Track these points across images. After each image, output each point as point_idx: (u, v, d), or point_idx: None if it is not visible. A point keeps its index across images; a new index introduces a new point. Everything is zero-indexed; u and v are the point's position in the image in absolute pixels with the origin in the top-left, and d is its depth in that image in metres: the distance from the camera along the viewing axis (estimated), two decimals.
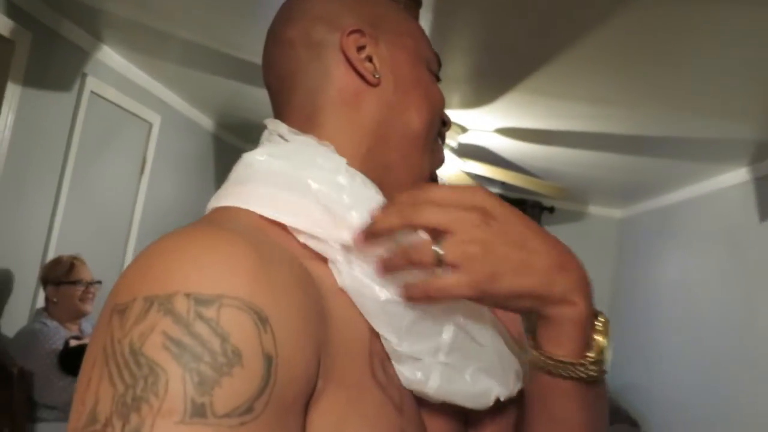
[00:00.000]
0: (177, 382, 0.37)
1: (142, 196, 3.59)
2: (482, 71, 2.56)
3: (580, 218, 5.05)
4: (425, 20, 2.06)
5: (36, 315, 2.54)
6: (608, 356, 0.52)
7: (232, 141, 4.65)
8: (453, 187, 0.49)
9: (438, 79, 0.65)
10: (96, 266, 2.65)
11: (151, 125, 3.57)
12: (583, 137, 3.13)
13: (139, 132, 3.52)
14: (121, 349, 0.39)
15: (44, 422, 2.31)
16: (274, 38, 0.62)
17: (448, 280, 0.46)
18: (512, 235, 0.48)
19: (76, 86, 2.87)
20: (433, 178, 0.66)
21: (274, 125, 0.59)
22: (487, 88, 2.69)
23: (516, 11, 1.92)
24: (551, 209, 4.94)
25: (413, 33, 0.64)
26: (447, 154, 3.10)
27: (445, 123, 0.67)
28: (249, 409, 0.38)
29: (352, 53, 0.58)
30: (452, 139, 3.12)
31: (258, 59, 0.65)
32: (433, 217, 0.47)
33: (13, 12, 2.38)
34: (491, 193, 0.49)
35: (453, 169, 3.27)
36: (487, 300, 0.48)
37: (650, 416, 3.87)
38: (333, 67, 0.59)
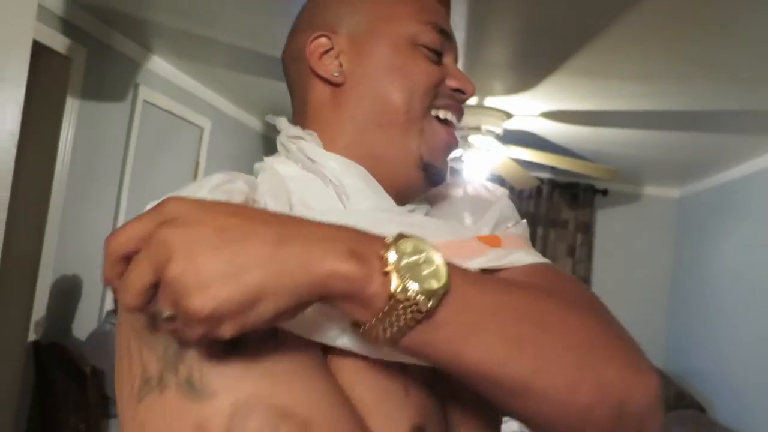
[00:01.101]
0: None
1: None
2: (523, 55, 2.53)
3: (636, 200, 4.91)
4: (461, 9, 2.05)
5: (106, 316, 2.67)
6: (428, 271, 0.41)
7: None
8: (135, 219, 0.40)
9: (436, 52, 0.62)
10: None
11: (202, 129, 3.69)
12: (634, 116, 3.05)
13: (191, 137, 3.64)
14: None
15: (117, 418, 2.43)
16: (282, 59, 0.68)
17: (167, 327, 0.39)
18: (207, 234, 0.37)
19: (130, 96, 2.99)
20: (435, 163, 0.61)
21: (277, 121, 0.65)
22: (529, 72, 2.65)
23: None
24: (605, 192, 4.83)
25: (390, 14, 0.62)
26: (492, 141, 3.08)
27: (463, 91, 0.63)
28: (275, 331, 0.44)
29: (314, 60, 0.61)
30: (496, 126, 3.09)
31: None
32: (117, 251, 0.38)
33: (68, 30, 2.50)
34: (179, 199, 0.40)
35: (500, 157, 3.24)
36: (225, 328, 0.38)
37: (717, 401, 3.75)
38: (307, 75, 0.63)
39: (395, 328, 0.41)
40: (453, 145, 0.63)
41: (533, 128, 3.44)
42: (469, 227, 0.62)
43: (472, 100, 3.02)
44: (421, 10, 0.63)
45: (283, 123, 0.64)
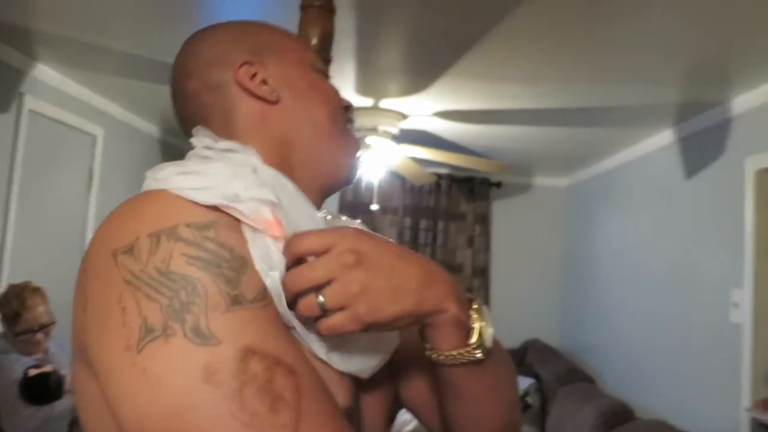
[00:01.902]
0: (211, 284, 0.50)
1: (92, 210, 3.58)
2: (414, 59, 2.65)
3: (528, 190, 5.23)
4: (349, 17, 2.14)
5: None
6: (488, 334, 0.62)
7: (180, 144, 4.65)
8: (321, 234, 0.56)
9: (326, 75, 0.77)
10: (51, 284, 2.66)
11: (95, 138, 3.56)
12: (521, 114, 3.27)
13: (84, 146, 3.51)
14: (148, 274, 0.50)
15: None
16: (179, 94, 0.72)
17: (334, 320, 0.54)
18: (383, 267, 0.55)
19: (14, 107, 2.85)
20: (355, 164, 0.76)
21: (200, 133, 0.67)
22: (421, 75, 2.78)
23: None
24: (499, 184, 5.10)
25: (293, 46, 0.74)
26: (388, 142, 3.21)
27: (348, 107, 0.77)
28: (264, 296, 0.53)
29: (247, 82, 0.68)
30: (393, 126, 3.21)
31: None
32: (314, 276, 0.54)
33: None
34: (357, 231, 0.56)
35: (398, 156, 3.37)
36: (374, 329, 0.56)
37: (604, 372, 4.09)
38: (236, 99, 0.69)
39: (452, 361, 0.61)
40: (359, 148, 0.78)
41: (428, 127, 3.60)
42: None
43: (368, 102, 3.13)
44: (305, 43, 0.79)
45: (206, 135, 0.66)
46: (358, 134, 0.78)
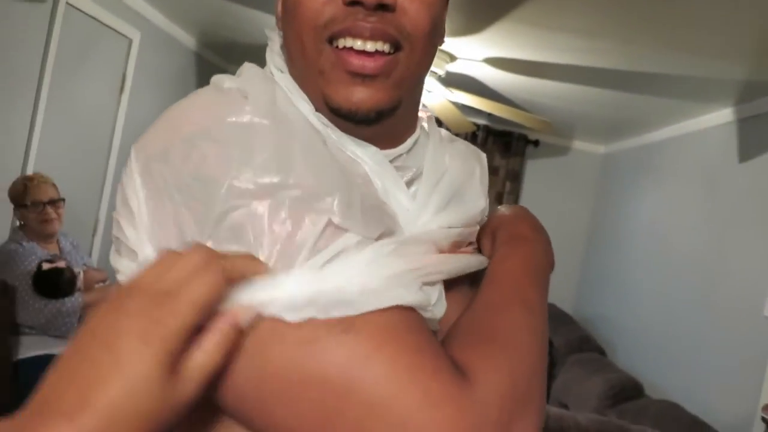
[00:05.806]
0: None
1: (122, 114, 3.52)
2: None
3: (565, 152, 5.07)
4: None
5: (12, 233, 2.53)
6: None
7: (215, 60, 4.52)
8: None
9: None
10: (75, 184, 2.63)
11: (130, 41, 3.46)
12: (573, 70, 3.09)
13: (119, 48, 3.41)
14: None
15: (27, 336, 2.34)
16: None
17: None
18: None
19: None
20: (341, 103, 0.53)
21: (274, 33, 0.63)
22: (476, 16, 2.62)
23: None
24: (536, 143, 4.95)
25: None
26: (433, 83, 3.06)
27: (359, 1, 0.50)
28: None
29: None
30: (439, 67, 3.07)
31: None
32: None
33: None
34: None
35: (439, 98, 3.24)
36: None
37: (615, 345, 4.04)
38: None
39: None
40: (361, 67, 0.51)
41: (475, 73, 3.43)
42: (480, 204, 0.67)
43: None
44: None
45: (276, 42, 0.62)
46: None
